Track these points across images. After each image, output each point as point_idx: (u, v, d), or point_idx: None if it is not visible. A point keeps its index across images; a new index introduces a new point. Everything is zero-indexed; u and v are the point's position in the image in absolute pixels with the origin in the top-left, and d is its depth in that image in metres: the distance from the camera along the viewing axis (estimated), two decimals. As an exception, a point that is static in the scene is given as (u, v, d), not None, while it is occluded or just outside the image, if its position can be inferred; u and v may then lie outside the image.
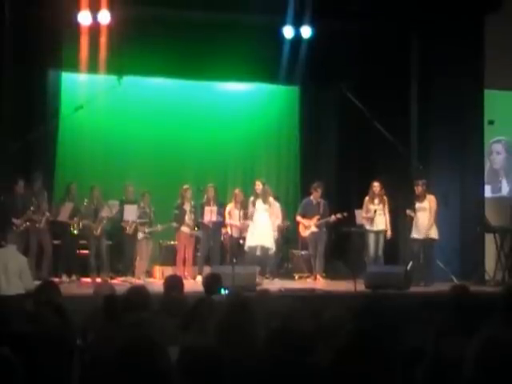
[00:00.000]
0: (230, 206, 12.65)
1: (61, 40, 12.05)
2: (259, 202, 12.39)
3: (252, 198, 12.41)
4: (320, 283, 12.16)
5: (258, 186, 12.46)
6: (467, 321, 4.33)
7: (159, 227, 12.40)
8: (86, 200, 12.03)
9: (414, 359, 3.69)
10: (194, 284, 10.98)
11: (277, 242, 12.88)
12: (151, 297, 5.39)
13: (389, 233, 12.26)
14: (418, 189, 11.92)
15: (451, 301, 4.87)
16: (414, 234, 11.99)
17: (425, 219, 11.86)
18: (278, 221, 12.82)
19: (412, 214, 11.97)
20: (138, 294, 5.31)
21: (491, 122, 13.13)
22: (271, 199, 12.70)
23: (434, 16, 12.61)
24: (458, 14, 12.53)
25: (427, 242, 11.88)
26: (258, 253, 12.28)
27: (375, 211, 12.16)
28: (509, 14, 12.72)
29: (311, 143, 14.36)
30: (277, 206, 12.86)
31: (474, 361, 2.72)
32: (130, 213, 12.07)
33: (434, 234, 11.88)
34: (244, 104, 14.36)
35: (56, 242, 11.91)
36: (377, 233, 12.26)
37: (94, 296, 6.16)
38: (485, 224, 12.57)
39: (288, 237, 13.57)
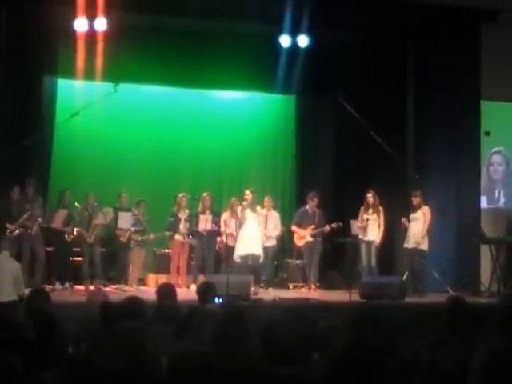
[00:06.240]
0: (225, 215, 12.57)
1: (57, 46, 12.08)
2: (248, 211, 12.31)
3: (240, 208, 12.31)
4: (315, 293, 12.10)
5: (248, 195, 12.38)
6: (463, 332, 4.31)
7: (151, 236, 12.34)
8: (79, 206, 11.94)
9: (409, 371, 3.66)
10: (188, 292, 10.91)
11: (274, 251, 12.83)
12: (146, 306, 5.36)
13: (377, 241, 12.17)
14: (414, 199, 11.90)
15: (447, 312, 4.85)
16: (406, 244, 11.97)
17: (417, 229, 11.83)
18: (277, 231, 12.75)
19: (406, 224, 11.93)
20: (134, 303, 5.28)
21: (487, 133, 13.16)
22: (272, 210, 12.68)
23: (430, 27, 12.64)
24: (455, 25, 12.57)
25: (417, 253, 11.85)
26: (250, 262, 12.23)
27: (367, 220, 12.13)
28: (505, 26, 12.74)
29: (307, 152, 14.34)
30: (276, 216, 12.79)
31: (481, 374, 2.68)
32: (125, 220, 12.01)
33: (424, 245, 11.83)
34: (240, 112, 14.34)
35: (49, 248, 11.85)
36: (368, 243, 12.21)
37: (88, 304, 6.12)
38: (480, 235, 12.56)
39: (283, 246, 13.52)
